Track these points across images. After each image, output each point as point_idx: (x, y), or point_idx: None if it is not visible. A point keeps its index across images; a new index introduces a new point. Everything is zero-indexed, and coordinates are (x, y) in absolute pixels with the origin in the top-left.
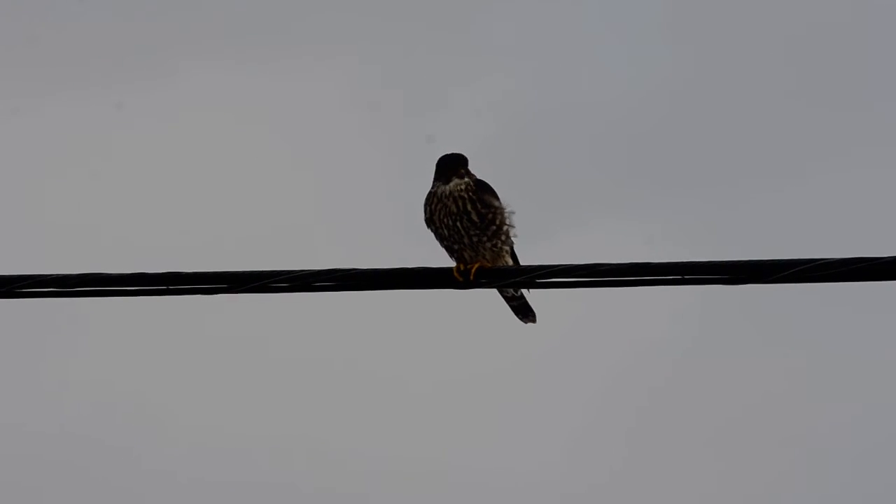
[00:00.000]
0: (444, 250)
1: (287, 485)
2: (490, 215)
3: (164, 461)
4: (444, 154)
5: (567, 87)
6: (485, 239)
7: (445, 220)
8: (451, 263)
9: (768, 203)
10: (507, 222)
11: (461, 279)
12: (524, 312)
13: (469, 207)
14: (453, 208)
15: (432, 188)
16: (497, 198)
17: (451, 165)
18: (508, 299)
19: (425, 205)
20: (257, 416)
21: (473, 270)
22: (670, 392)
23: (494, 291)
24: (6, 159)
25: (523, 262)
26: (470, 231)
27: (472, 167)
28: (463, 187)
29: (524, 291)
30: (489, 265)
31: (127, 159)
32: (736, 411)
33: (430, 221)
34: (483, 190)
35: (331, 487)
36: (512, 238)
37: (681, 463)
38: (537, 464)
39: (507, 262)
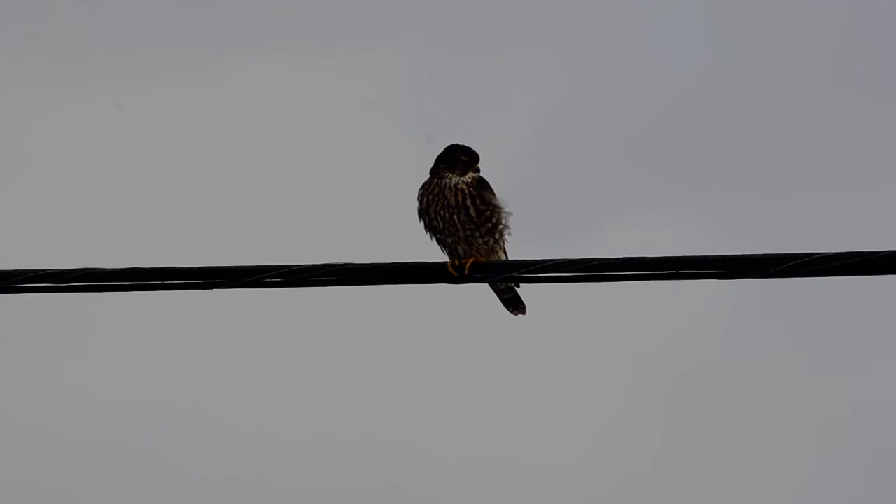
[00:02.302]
0: (434, 243)
1: (283, 480)
2: (488, 212)
3: (156, 455)
4: (460, 145)
5: (608, 79)
6: (477, 235)
7: (442, 211)
8: (444, 257)
9: (809, 196)
10: (503, 222)
11: (456, 274)
12: (514, 305)
13: (468, 202)
14: (452, 201)
15: (436, 177)
16: (495, 196)
17: (472, 158)
18: (500, 292)
19: (421, 195)
20: (251, 411)
21: (468, 265)
22: (670, 387)
23: (485, 285)
24: (2, 155)
25: (557, 254)
26: (466, 225)
27: (514, 160)
28: (469, 180)
29: (517, 285)
30: (483, 260)
31: (122, 155)
32: (737, 408)
33: (424, 212)
34: (483, 187)
35: (327, 481)
36: (505, 237)
37: (676, 459)
38: (533, 457)
39: (500, 258)
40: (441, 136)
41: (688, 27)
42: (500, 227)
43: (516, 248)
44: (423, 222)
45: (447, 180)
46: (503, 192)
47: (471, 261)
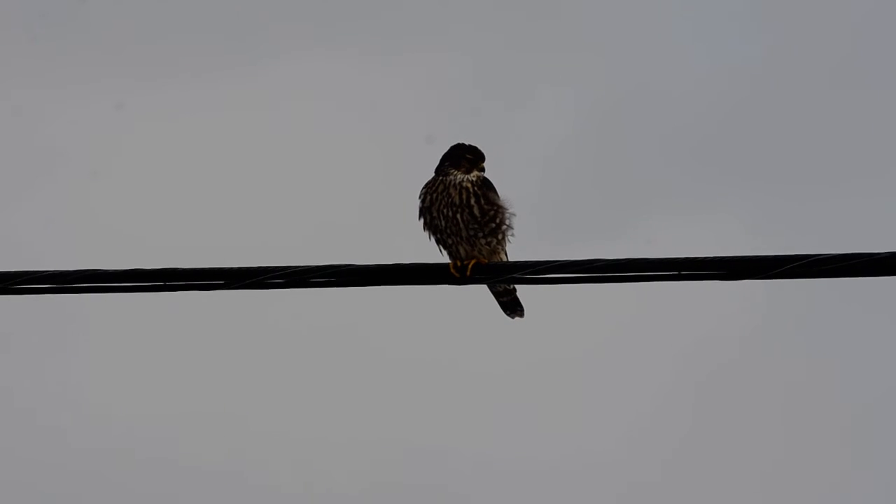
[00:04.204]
0: (433, 243)
1: (281, 480)
2: (492, 212)
3: (159, 456)
4: (466, 144)
5: (646, 81)
6: (481, 235)
7: (445, 210)
8: (444, 258)
9: (843, 200)
10: (507, 223)
11: (458, 275)
12: (512, 308)
13: (472, 201)
14: (456, 199)
15: (440, 175)
16: (499, 197)
17: (477, 157)
18: (498, 294)
19: (424, 193)
20: (254, 411)
21: (470, 266)
22: (670, 388)
23: (483, 287)
24: (4, 155)
25: (589, 254)
26: (469, 225)
27: (553, 162)
28: (474, 179)
29: (516, 287)
30: (485, 261)
31: (123, 156)
32: (740, 410)
33: (426, 211)
34: (487, 187)
35: (321, 480)
36: (508, 238)
37: (675, 461)
38: (530, 460)
39: (501, 259)
40: (465, 137)
41: (725, 28)
42: (504, 227)
43: (526, 248)
44: (422, 221)
45: (452, 178)
46: (538, 190)
47: (472, 262)
